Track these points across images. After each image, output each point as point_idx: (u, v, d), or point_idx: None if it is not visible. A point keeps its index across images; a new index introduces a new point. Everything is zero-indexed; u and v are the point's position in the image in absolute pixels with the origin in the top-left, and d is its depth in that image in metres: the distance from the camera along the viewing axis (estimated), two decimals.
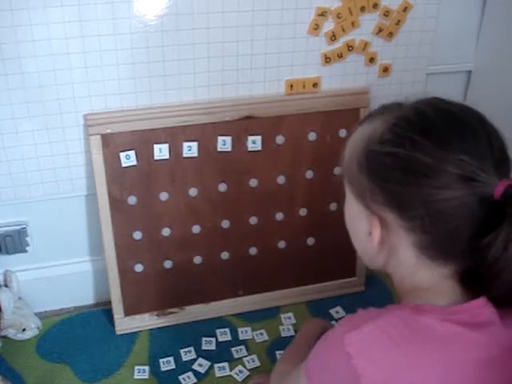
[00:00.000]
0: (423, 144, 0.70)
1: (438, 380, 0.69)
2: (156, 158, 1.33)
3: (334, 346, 0.74)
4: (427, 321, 0.71)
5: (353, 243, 0.85)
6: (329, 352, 0.77)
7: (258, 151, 1.39)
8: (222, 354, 1.36)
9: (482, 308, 0.72)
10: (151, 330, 1.43)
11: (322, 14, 1.33)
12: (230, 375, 1.31)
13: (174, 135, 1.32)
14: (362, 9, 1.35)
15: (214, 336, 1.41)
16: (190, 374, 1.31)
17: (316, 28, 1.34)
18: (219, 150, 1.36)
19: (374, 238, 0.76)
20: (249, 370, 1.32)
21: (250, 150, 1.38)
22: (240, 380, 1.30)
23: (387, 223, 0.74)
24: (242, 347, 1.38)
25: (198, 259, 1.44)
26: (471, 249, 0.69)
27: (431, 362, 0.69)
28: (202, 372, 1.31)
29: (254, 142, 1.38)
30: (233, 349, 1.37)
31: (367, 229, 0.77)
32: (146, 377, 1.30)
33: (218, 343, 1.39)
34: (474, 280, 0.73)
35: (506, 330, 0.72)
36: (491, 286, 0.70)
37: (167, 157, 1.33)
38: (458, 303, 0.73)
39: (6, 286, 1.39)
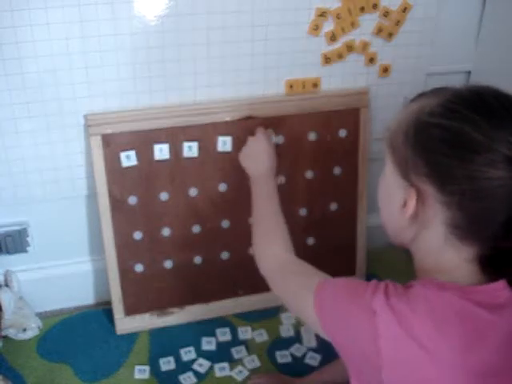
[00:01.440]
0: (475, 119, 0.70)
1: (452, 357, 0.70)
2: (156, 158, 1.33)
3: (361, 301, 0.74)
4: (448, 297, 0.72)
5: (381, 216, 0.85)
6: (352, 305, 0.76)
7: None
8: (222, 354, 1.36)
9: (500, 291, 0.74)
10: (151, 329, 1.43)
11: (322, 14, 1.33)
12: (230, 375, 1.31)
13: (174, 135, 1.32)
14: (362, 9, 1.35)
15: (214, 336, 1.41)
16: (190, 373, 1.31)
17: (316, 28, 1.34)
18: (219, 150, 1.36)
19: (407, 210, 0.76)
20: (249, 370, 1.32)
21: None
22: (240, 380, 1.30)
23: (424, 197, 0.74)
24: (242, 347, 1.38)
25: (198, 259, 1.44)
26: (500, 233, 0.70)
27: (449, 336, 0.70)
28: (202, 372, 1.31)
29: None
30: (233, 349, 1.37)
31: (402, 200, 0.77)
32: (146, 377, 1.30)
33: (218, 343, 1.39)
34: (496, 266, 0.74)
35: None
36: None
37: (167, 157, 1.33)
38: (480, 280, 0.75)
39: (6, 285, 1.39)
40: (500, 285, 0.74)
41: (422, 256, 0.81)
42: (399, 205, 0.78)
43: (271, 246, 1.02)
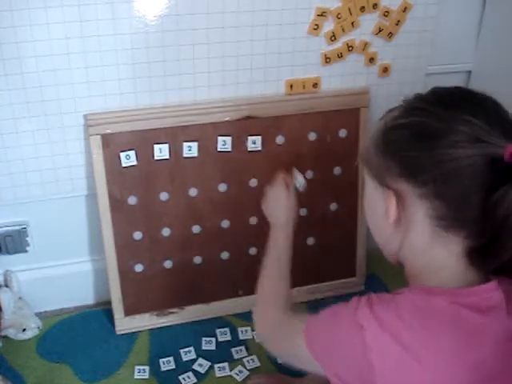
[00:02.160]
0: (433, 110, 0.74)
1: (443, 363, 0.70)
2: (156, 158, 1.33)
3: (346, 320, 0.75)
4: (437, 303, 0.72)
5: (372, 233, 0.86)
6: (339, 326, 0.77)
7: (258, 151, 1.39)
8: (221, 354, 1.36)
9: (491, 292, 0.73)
10: (151, 330, 1.43)
11: (322, 14, 1.33)
12: (230, 375, 1.31)
13: (174, 135, 1.32)
14: (362, 9, 1.35)
15: (214, 336, 1.41)
16: (190, 373, 1.31)
17: (316, 28, 1.34)
18: (219, 149, 1.36)
19: (390, 215, 0.77)
20: (249, 370, 1.32)
21: (250, 150, 1.38)
22: (240, 380, 1.30)
23: (403, 196, 0.76)
24: (242, 347, 1.38)
25: (198, 259, 1.44)
26: (481, 213, 0.70)
27: (439, 344, 0.70)
28: (202, 372, 1.31)
29: (254, 142, 1.38)
30: (233, 349, 1.37)
31: (383, 207, 0.78)
32: (146, 377, 1.30)
33: (218, 343, 1.39)
34: (483, 258, 0.73)
35: (510, 317, 0.73)
36: (503, 251, 0.70)
37: (167, 157, 1.33)
38: (468, 285, 0.74)
39: (6, 286, 1.39)
40: (491, 286, 0.74)
41: (411, 262, 0.81)
42: (382, 214, 0.79)
43: (267, 311, 1.05)
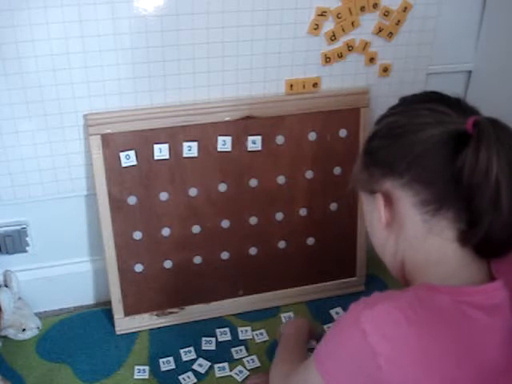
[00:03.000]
0: (398, 110, 0.82)
1: (450, 360, 0.70)
2: (156, 158, 1.33)
3: (350, 326, 0.75)
4: (442, 301, 0.72)
5: (374, 247, 0.89)
6: (344, 333, 0.77)
7: (258, 151, 1.39)
8: (221, 354, 1.36)
9: (496, 291, 0.74)
10: (151, 330, 1.43)
11: (322, 13, 1.33)
12: (230, 375, 1.31)
13: (173, 135, 1.32)
14: (362, 9, 1.35)
15: (214, 336, 1.41)
16: (190, 373, 1.31)
17: (316, 28, 1.34)
18: (219, 149, 1.36)
19: (381, 217, 0.81)
20: (249, 371, 1.32)
21: (249, 150, 1.38)
22: (240, 380, 1.30)
23: (389, 195, 0.80)
24: (242, 347, 1.38)
25: (198, 259, 1.44)
26: (458, 192, 0.72)
27: (443, 343, 0.70)
28: (202, 372, 1.31)
29: (254, 142, 1.38)
30: (233, 349, 1.37)
31: (377, 213, 0.82)
32: (146, 377, 1.30)
33: (218, 343, 1.39)
34: (475, 236, 0.74)
35: None
36: (483, 217, 0.71)
37: (167, 157, 1.33)
38: (469, 278, 0.75)
39: (6, 286, 1.39)
40: (497, 285, 0.74)
41: (409, 258, 0.82)
42: (377, 220, 0.83)
43: (283, 366, 1.07)
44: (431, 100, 0.79)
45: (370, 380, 0.72)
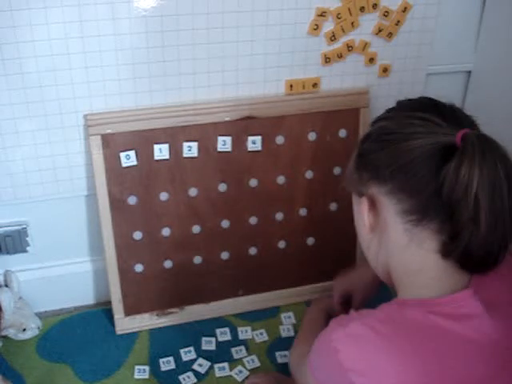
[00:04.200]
0: (391, 115, 0.82)
1: (419, 372, 0.70)
2: (156, 158, 1.33)
3: (323, 343, 0.78)
4: (412, 315, 0.73)
5: (362, 247, 0.91)
6: (320, 349, 0.80)
7: (258, 151, 1.39)
8: (221, 354, 1.36)
9: (466, 300, 0.74)
10: (151, 330, 1.43)
11: (322, 14, 1.33)
12: (230, 375, 1.31)
13: (173, 135, 1.32)
14: (362, 9, 1.35)
15: (214, 336, 1.41)
16: (190, 374, 1.31)
17: (316, 28, 1.34)
18: (219, 150, 1.36)
19: (364, 218, 0.82)
20: (249, 371, 1.32)
21: (249, 150, 1.38)
22: (240, 380, 1.30)
23: (373, 199, 0.80)
24: (242, 347, 1.38)
25: (197, 259, 1.44)
26: (441, 203, 0.72)
27: (416, 356, 0.70)
28: (202, 372, 1.31)
29: (254, 142, 1.38)
30: (233, 349, 1.37)
31: (362, 216, 0.83)
32: (146, 377, 1.30)
33: (218, 343, 1.39)
34: (456, 248, 0.73)
35: (492, 321, 0.73)
36: (463, 230, 0.71)
37: (167, 157, 1.33)
38: (447, 289, 0.75)
39: (6, 286, 1.39)
40: (466, 294, 0.74)
41: (391, 264, 0.82)
42: (362, 223, 0.84)
43: (301, 346, 1.11)
44: (426, 108, 0.78)
45: None
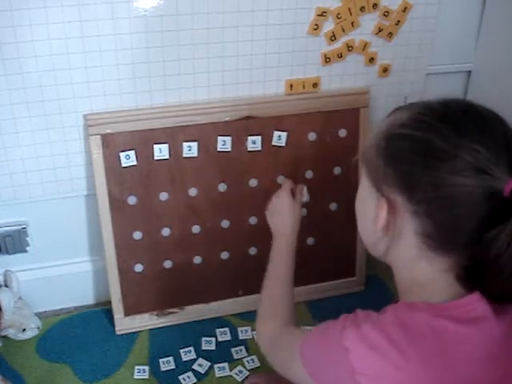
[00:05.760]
0: (440, 129, 0.71)
1: (431, 377, 0.70)
2: (156, 158, 1.33)
3: (333, 340, 0.75)
4: (420, 318, 0.71)
5: (358, 228, 0.86)
6: (327, 346, 0.78)
7: (258, 151, 1.39)
8: (221, 354, 1.36)
9: (475, 303, 0.72)
10: (151, 330, 1.43)
11: (322, 14, 1.33)
12: (230, 375, 1.31)
13: (173, 135, 1.32)
14: (362, 9, 1.35)
15: (214, 336, 1.41)
16: (189, 373, 1.31)
17: (316, 28, 1.34)
18: (219, 149, 1.36)
19: (379, 221, 0.76)
20: (249, 370, 1.32)
21: (249, 150, 1.38)
22: (240, 380, 1.30)
23: (395, 207, 0.75)
24: (242, 347, 1.38)
25: (197, 259, 1.44)
26: (473, 242, 0.69)
27: (424, 359, 0.69)
28: (202, 372, 1.31)
29: (254, 142, 1.38)
30: (233, 349, 1.37)
31: (375, 211, 0.77)
32: (146, 377, 1.30)
33: (218, 343, 1.39)
34: (473, 277, 0.72)
35: (500, 325, 0.72)
36: (493, 283, 0.70)
37: (167, 157, 1.33)
38: (454, 298, 0.73)
39: (6, 286, 1.39)
40: (474, 298, 0.72)
41: (397, 269, 0.81)
42: (372, 217, 0.78)
43: (269, 323, 1.05)
44: (477, 131, 0.70)
45: None
